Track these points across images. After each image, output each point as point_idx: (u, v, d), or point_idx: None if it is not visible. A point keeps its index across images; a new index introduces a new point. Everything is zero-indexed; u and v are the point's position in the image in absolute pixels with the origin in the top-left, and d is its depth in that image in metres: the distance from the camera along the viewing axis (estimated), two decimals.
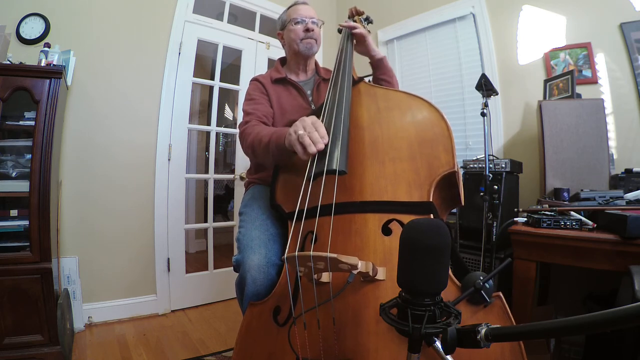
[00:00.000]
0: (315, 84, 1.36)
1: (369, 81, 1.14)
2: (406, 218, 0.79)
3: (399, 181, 0.85)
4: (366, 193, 0.85)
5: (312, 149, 0.83)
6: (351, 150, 0.90)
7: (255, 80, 1.34)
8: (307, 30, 1.29)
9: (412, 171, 0.85)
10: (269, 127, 1.16)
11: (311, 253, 0.68)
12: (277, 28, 1.41)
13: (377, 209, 0.82)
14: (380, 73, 1.31)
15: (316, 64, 1.42)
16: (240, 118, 1.37)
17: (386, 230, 0.80)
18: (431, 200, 0.81)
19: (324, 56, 2.91)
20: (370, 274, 0.71)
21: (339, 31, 1.37)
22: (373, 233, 0.80)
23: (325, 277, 0.77)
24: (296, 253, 0.71)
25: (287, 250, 0.85)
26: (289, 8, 1.36)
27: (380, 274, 0.74)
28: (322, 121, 0.95)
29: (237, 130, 1.24)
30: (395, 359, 0.66)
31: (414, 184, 0.84)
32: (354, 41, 1.27)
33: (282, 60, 1.42)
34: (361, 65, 1.32)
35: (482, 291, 0.66)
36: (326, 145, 0.85)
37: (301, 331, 0.75)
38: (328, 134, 0.88)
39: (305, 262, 0.71)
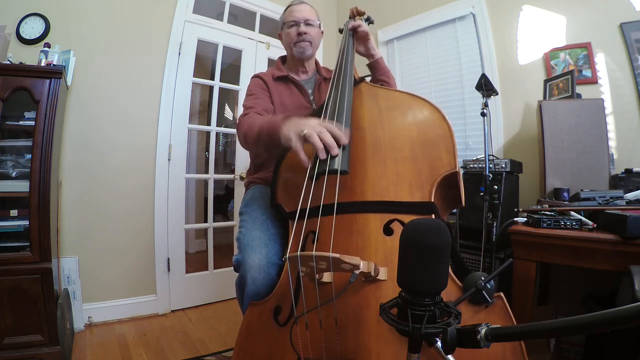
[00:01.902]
0: (316, 83, 1.35)
1: (370, 81, 1.14)
2: (407, 218, 0.79)
3: (401, 181, 0.84)
4: (368, 193, 0.85)
5: (323, 155, 0.80)
6: (353, 151, 0.90)
7: (256, 76, 1.33)
8: (299, 34, 1.28)
9: (413, 171, 0.85)
10: (262, 117, 1.13)
11: (314, 253, 0.68)
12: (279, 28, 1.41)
13: (378, 209, 0.82)
14: (380, 74, 1.31)
15: (317, 63, 1.41)
16: None
17: (388, 231, 0.80)
18: (432, 200, 0.81)
19: (324, 56, 2.91)
20: (372, 274, 0.71)
21: (340, 31, 1.37)
22: (374, 233, 0.80)
23: (327, 277, 0.77)
24: (298, 253, 0.71)
25: (288, 250, 0.85)
26: (286, 9, 1.36)
27: (382, 274, 0.74)
28: (324, 120, 0.95)
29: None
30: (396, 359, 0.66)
31: (415, 184, 0.84)
32: (355, 41, 1.27)
33: (283, 59, 1.42)
34: (362, 66, 1.32)
35: (483, 291, 0.66)
36: (338, 152, 0.82)
37: (303, 331, 0.75)
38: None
39: (307, 262, 0.71)
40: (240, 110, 1.32)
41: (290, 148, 0.86)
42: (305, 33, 1.28)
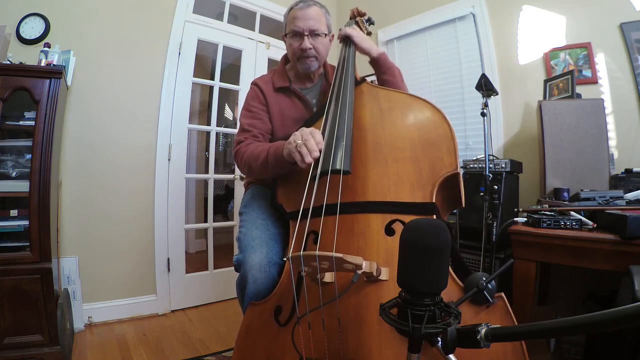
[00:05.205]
0: (321, 90, 1.26)
1: (372, 81, 1.14)
2: (409, 219, 0.79)
3: (402, 182, 0.85)
4: (369, 193, 0.85)
5: (308, 159, 0.84)
6: (354, 151, 0.90)
7: (255, 85, 1.23)
8: (302, 49, 1.14)
9: (414, 172, 0.85)
10: (264, 143, 1.12)
11: (317, 253, 0.68)
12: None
13: (380, 209, 0.83)
14: (381, 72, 1.20)
15: (325, 65, 1.29)
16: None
17: (389, 231, 0.80)
18: (434, 201, 0.81)
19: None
20: (374, 274, 0.71)
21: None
22: (376, 233, 0.80)
23: (328, 277, 0.77)
24: (301, 253, 0.71)
25: (291, 249, 0.85)
26: (289, 11, 1.19)
27: (384, 275, 0.74)
28: (326, 121, 0.95)
29: (237, 130, 1.23)
30: (398, 359, 0.66)
31: (416, 184, 0.84)
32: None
33: (287, 58, 1.28)
34: (363, 65, 1.32)
35: (484, 292, 0.66)
36: (321, 151, 0.86)
37: (305, 331, 0.75)
38: (332, 135, 0.88)
39: (310, 262, 0.71)
40: (240, 111, 1.31)
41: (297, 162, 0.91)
42: (310, 48, 1.13)
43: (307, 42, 1.13)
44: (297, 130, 0.91)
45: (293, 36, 1.15)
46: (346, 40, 1.20)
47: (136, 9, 2.14)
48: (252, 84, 1.26)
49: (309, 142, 0.85)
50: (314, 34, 1.14)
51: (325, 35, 1.18)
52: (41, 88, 1.51)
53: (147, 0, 2.18)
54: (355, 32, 1.17)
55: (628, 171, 1.52)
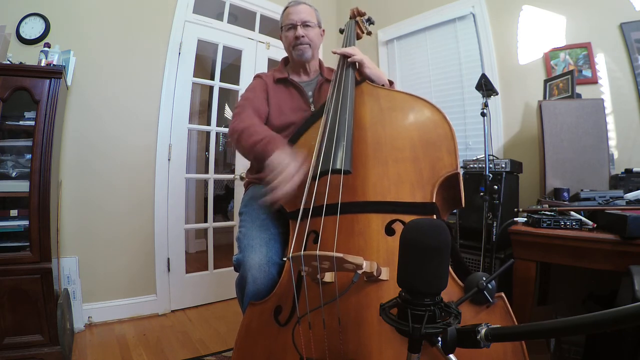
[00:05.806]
0: (317, 84, 1.33)
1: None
2: (409, 219, 0.79)
3: (402, 182, 0.85)
4: (369, 193, 0.85)
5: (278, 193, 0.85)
6: (354, 150, 0.90)
7: (258, 76, 1.35)
8: (296, 37, 1.27)
9: (415, 172, 0.85)
10: (265, 127, 1.15)
11: (317, 253, 0.68)
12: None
13: (380, 209, 0.82)
14: None
15: (320, 64, 1.39)
16: None
17: (389, 231, 0.80)
18: (434, 201, 0.81)
19: (324, 57, 2.91)
20: (375, 274, 0.71)
21: (341, 31, 1.37)
22: (376, 233, 0.80)
23: (328, 277, 0.77)
24: (302, 252, 0.71)
25: (291, 249, 0.85)
26: (284, 10, 1.34)
27: (384, 274, 0.74)
28: (326, 120, 0.95)
29: None
30: (398, 359, 0.66)
31: (417, 184, 0.84)
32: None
33: (286, 60, 1.41)
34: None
35: (484, 292, 0.66)
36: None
37: (306, 331, 0.75)
38: (332, 134, 0.88)
39: (310, 262, 0.71)
40: None
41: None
42: (303, 36, 1.27)
43: (301, 31, 1.27)
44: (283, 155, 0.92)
45: (288, 29, 1.30)
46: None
47: (136, 9, 2.14)
48: (255, 75, 1.37)
49: (284, 179, 0.86)
50: (305, 24, 1.29)
51: (317, 27, 1.32)
52: (41, 88, 1.51)
53: (147, 0, 2.18)
54: (367, 60, 1.12)
55: (628, 171, 1.52)
